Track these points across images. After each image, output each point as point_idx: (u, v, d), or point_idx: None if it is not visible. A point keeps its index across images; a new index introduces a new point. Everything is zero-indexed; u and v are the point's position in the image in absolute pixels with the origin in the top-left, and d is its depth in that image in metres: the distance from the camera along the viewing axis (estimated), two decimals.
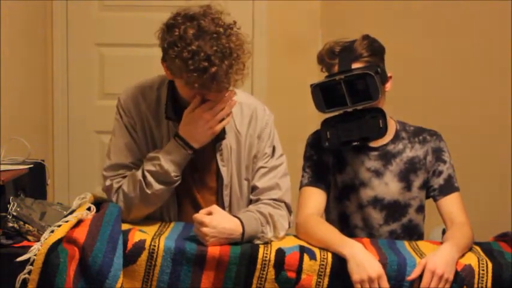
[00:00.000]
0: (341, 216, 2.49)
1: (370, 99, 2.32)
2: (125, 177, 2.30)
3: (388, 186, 2.44)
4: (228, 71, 2.12)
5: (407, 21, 3.88)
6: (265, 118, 2.39)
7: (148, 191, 2.22)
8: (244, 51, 2.17)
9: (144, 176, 2.23)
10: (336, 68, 2.36)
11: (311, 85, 2.38)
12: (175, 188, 2.31)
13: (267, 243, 2.17)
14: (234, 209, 2.35)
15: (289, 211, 2.34)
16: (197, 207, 2.30)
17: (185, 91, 2.21)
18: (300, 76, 3.84)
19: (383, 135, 2.38)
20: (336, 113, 2.40)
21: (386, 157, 2.44)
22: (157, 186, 2.22)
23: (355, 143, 2.39)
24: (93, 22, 3.95)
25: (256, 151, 2.36)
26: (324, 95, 2.36)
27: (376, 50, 2.38)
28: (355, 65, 2.33)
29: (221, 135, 2.32)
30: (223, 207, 2.33)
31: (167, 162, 2.22)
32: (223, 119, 2.23)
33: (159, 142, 2.32)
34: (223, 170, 2.34)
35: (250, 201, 2.36)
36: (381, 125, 2.34)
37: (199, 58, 2.08)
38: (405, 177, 2.44)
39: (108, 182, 2.31)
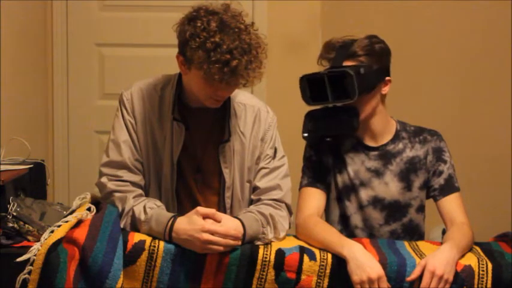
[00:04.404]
0: (341, 217, 2.48)
1: (349, 98, 2.33)
2: (123, 181, 2.27)
3: (388, 186, 2.43)
4: (247, 67, 2.14)
5: (407, 21, 3.88)
6: (268, 120, 2.39)
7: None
8: (262, 50, 2.21)
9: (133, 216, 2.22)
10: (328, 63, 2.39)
11: (300, 77, 2.39)
12: (176, 187, 2.31)
13: (267, 244, 2.17)
14: (235, 210, 2.35)
15: (290, 212, 2.34)
16: (194, 206, 2.25)
17: (201, 86, 2.21)
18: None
19: (352, 134, 2.41)
20: (319, 107, 2.43)
21: (386, 157, 2.44)
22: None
23: (328, 139, 2.42)
24: (93, 22, 3.94)
25: (259, 153, 2.37)
26: (311, 88, 2.38)
27: (374, 51, 2.37)
28: (347, 63, 2.35)
29: (226, 138, 2.33)
30: (224, 209, 2.33)
31: (147, 225, 2.17)
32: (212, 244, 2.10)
33: (161, 142, 2.31)
34: (226, 172, 2.33)
35: (251, 202, 2.36)
36: (355, 126, 2.36)
37: (222, 50, 2.11)
38: (405, 177, 2.44)
39: (104, 179, 2.28)
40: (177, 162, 2.31)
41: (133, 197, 2.24)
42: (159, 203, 2.25)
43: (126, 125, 2.32)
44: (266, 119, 2.39)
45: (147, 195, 2.31)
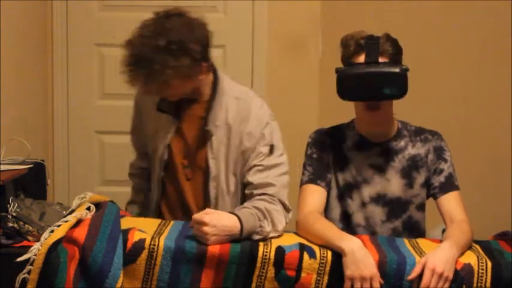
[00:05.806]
0: (343, 216, 2.48)
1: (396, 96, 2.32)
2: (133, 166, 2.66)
3: (390, 183, 2.44)
4: (142, 78, 2.25)
5: (407, 21, 3.88)
6: (259, 116, 2.38)
7: None
8: (172, 71, 2.21)
9: None
10: (359, 58, 2.31)
11: (337, 71, 2.32)
12: (165, 173, 2.46)
13: (266, 238, 2.18)
14: (219, 202, 2.39)
15: (286, 209, 2.33)
16: (181, 194, 2.42)
17: None
18: (300, 76, 3.85)
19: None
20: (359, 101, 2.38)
21: (389, 153, 2.44)
22: None
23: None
24: (93, 22, 3.95)
25: (245, 147, 2.37)
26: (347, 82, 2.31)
27: (399, 49, 2.36)
28: (381, 59, 2.30)
29: (207, 127, 2.37)
30: (208, 200, 2.38)
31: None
32: None
33: (154, 132, 2.45)
34: (212, 162, 2.37)
35: (244, 197, 2.38)
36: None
37: (130, 50, 2.30)
38: (408, 174, 2.44)
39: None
40: (169, 150, 2.42)
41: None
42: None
43: (135, 114, 2.58)
44: (257, 114, 2.38)
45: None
